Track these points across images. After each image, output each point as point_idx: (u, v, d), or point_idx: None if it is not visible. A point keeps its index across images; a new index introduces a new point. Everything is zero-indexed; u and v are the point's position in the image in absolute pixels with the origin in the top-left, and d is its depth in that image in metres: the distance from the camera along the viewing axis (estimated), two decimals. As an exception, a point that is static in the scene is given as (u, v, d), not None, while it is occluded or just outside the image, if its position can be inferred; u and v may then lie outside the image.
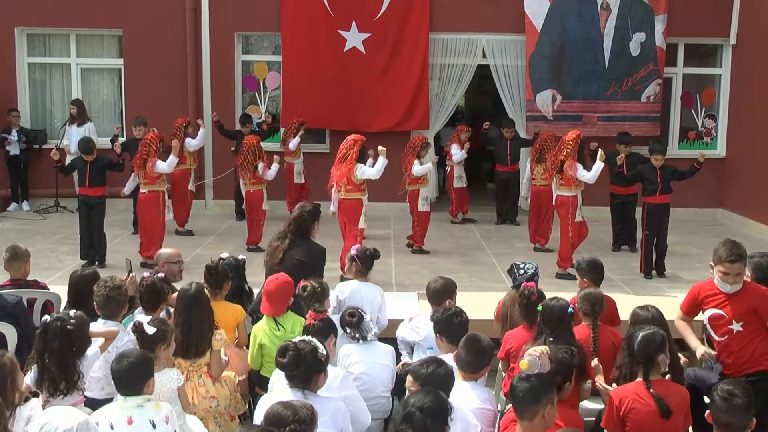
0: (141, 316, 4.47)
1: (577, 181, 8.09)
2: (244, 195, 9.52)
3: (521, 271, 5.39)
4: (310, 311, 4.48)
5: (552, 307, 4.47)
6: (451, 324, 4.62)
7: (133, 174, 8.88)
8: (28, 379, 3.90)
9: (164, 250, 5.99)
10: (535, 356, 3.55)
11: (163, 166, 8.47)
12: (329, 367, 4.06)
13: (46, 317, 3.97)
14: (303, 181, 11.20)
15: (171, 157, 8.53)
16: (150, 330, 4.12)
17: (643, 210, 8.42)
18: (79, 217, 8.61)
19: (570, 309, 4.46)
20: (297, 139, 11.03)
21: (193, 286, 4.68)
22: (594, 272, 5.40)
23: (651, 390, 3.89)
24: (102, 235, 8.53)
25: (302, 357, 3.64)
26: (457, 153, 10.86)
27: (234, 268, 5.59)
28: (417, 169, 9.11)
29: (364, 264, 5.74)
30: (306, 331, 4.32)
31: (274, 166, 9.51)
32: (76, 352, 3.95)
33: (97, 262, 8.32)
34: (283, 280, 4.99)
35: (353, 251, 5.80)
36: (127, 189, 9.26)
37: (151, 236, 8.50)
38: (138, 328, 4.14)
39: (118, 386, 3.66)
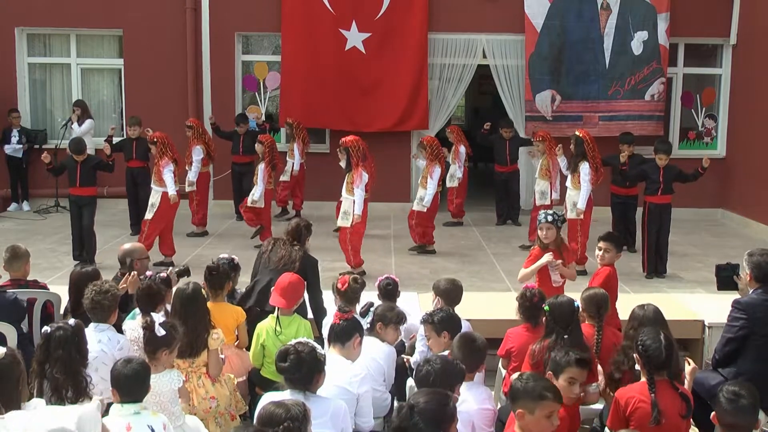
0: (156, 316, 4.40)
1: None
2: (260, 194, 9.01)
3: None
4: (335, 311, 4.47)
5: (560, 304, 4.50)
6: (455, 321, 4.64)
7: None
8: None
9: (132, 246, 5.75)
10: None
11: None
12: (352, 365, 4.15)
13: (46, 328, 3.88)
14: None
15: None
16: (160, 332, 4.06)
17: (644, 209, 8.40)
18: (71, 217, 8.62)
19: (576, 303, 4.54)
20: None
21: (190, 285, 4.66)
22: None
23: (653, 395, 3.82)
24: (92, 234, 8.48)
25: (303, 359, 3.63)
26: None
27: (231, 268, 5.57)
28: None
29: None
30: (331, 330, 4.31)
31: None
32: (80, 359, 3.92)
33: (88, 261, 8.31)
34: (297, 278, 5.12)
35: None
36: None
37: (172, 234, 8.69)
38: (149, 326, 4.07)
39: (121, 390, 3.60)
